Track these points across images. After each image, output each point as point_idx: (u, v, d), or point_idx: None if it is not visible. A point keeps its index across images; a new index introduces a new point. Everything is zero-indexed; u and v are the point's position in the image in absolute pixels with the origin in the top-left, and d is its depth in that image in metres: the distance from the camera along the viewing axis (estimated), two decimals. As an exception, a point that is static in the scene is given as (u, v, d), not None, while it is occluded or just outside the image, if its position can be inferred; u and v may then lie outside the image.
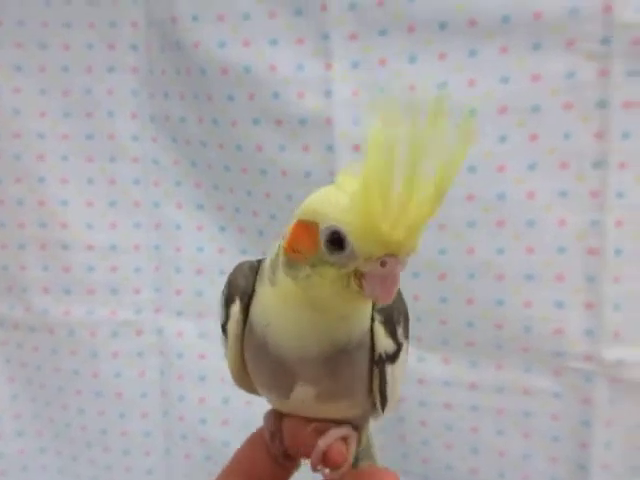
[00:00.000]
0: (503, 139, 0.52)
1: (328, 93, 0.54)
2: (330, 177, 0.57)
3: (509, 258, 0.54)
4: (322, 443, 0.28)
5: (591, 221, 0.52)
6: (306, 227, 0.24)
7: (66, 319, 0.67)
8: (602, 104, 0.49)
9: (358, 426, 0.30)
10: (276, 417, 0.30)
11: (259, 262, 0.29)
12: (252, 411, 0.67)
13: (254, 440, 0.31)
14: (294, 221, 0.25)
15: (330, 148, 0.55)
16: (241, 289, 0.28)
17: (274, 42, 0.56)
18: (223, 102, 0.59)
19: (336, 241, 0.23)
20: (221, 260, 0.67)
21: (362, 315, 0.27)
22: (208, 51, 0.58)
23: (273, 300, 0.27)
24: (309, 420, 0.29)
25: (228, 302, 0.29)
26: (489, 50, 0.51)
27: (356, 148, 0.55)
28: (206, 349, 0.68)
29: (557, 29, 0.50)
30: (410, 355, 0.30)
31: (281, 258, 0.26)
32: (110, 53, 0.64)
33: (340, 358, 0.27)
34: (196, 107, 0.61)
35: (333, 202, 0.24)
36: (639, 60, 0.48)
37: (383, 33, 0.54)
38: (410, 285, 0.57)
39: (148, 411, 0.69)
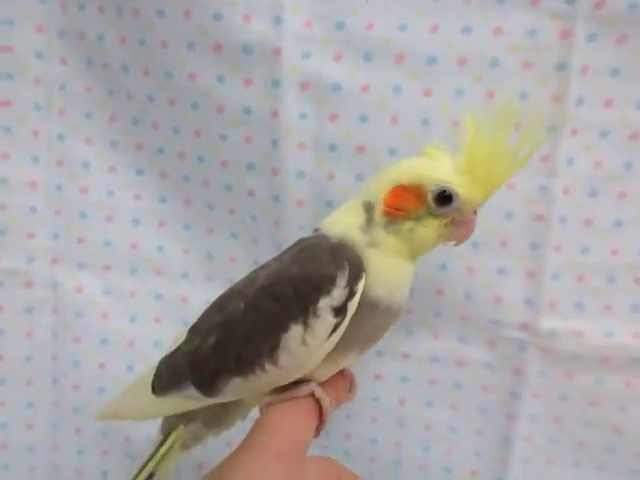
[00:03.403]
0: (460, 93, 0.49)
1: (278, 20, 0.48)
2: (272, 117, 0.51)
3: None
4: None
5: (539, 186, 0.50)
6: (409, 190, 0.33)
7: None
8: (561, 67, 0.48)
9: None
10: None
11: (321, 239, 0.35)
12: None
13: (307, 410, 0.34)
14: (390, 187, 0.34)
15: (276, 83, 0.49)
16: (363, 265, 0.33)
17: (218, -45, 0.49)
18: (152, 19, 0.50)
19: (444, 198, 0.33)
20: (136, 208, 0.58)
21: None
22: (137, -44, 0.49)
23: (386, 265, 0.34)
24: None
25: (355, 279, 0.32)
26: None
27: (304, 86, 0.49)
28: (110, 308, 0.59)
29: None
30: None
31: (379, 221, 0.34)
32: (13, -50, 0.53)
33: None
34: (118, 23, 0.53)
35: (437, 168, 0.33)
36: (600, 24, 0.47)
37: (342, -36, 0.49)
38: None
39: (34, 378, 0.59)
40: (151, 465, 0.41)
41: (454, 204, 0.33)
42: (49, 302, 0.58)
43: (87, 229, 0.58)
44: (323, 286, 0.32)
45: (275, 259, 0.37)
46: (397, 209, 0.33)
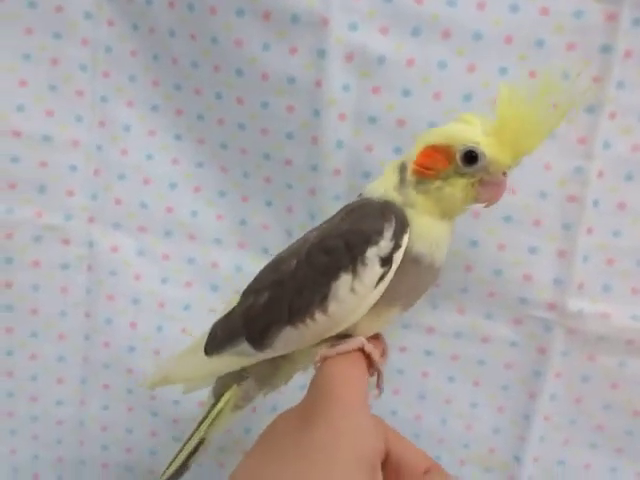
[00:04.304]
0: (503, 71, 0.49)
1: None
2: (315, 87, 0.51)
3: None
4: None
5: (575, 168, 0.51)
6: (439, 149, 0.35)
7: (-22, 216, 0.57)
8: (605, 49, 0.48)
9: None
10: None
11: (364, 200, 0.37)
12: (186, 342, 0.61)
13: (359, 363, 0.35)
14: (421, 147, 0.36)
15: (322, 53, 0.50)
16: (407, 222, 0.35)
17: None
18: (203, -16, 0.51)
19: (471, 157, 0.34)
20: (173, 172, 0.59)
21: None
22: None
23: (425, 223, 0.35)
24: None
25: (401, 233, 0.34)
26: None
27: (349, 58, 0.50)
28: (143, 269, 0.60)
29: None
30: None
31: (410, 180, 0.36)
32: None
33: None
34: (168, -12, 0.54)
35: (467, 130, 0.35)
36: (647, 9, 0.48)
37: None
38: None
39: (66, 333, 0.61)
40: (203, 429, 0.43)
41: (480, 163, 0.34)
42: (84, 260, 0.60)
43: (124, 191, 0.59)
44: (372, 237, 0.34)
45: (325, 222, 0.39)
46: (427, 168, 0.35)
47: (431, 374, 0.59)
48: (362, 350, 0.36)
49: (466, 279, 0.55)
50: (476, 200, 0.36)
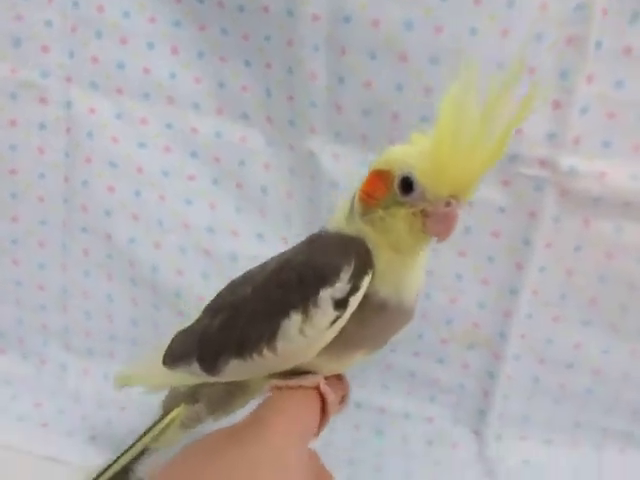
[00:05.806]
0: None
1: None
2: None
3: (481, 40, 0.48)
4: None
5: (576, 5, 0.46)
6: (380, 175, 0.30)
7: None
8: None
9: None
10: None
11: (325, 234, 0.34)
12: (164, 209, 0.60)
13: (312, 402, 0.33)
14: (369, 172, 0.31)
15: None
16: (372, 261, 0.31)
17: None
18: None
19: (406, 184, 0.29)
20: (150, 31, 0.56)
21: None
22: None
23: (389, 260, 0.31)
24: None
25: (361, 274, 0.30)
26: None
27: None
28: (121, 132, 0.59)
29: None
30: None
31: (357, 209, 0.32)
32: None
33: None
34: None
35: (405, 153, 0.30)
36: None
37: None
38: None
39: (45, 195, 0.60)
40: (146, 440, 0.42)
41: (415, 193, 0.29)
42: (62, 121, 0.58)
43: (101, 49, 0.57)
44: (326, 276, 0.30)
45: (289, 249, 0.36)
46: (369, 196, 0.31)
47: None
48: (318, 389, 0.33)
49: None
50: (423, 234, 0.30)
